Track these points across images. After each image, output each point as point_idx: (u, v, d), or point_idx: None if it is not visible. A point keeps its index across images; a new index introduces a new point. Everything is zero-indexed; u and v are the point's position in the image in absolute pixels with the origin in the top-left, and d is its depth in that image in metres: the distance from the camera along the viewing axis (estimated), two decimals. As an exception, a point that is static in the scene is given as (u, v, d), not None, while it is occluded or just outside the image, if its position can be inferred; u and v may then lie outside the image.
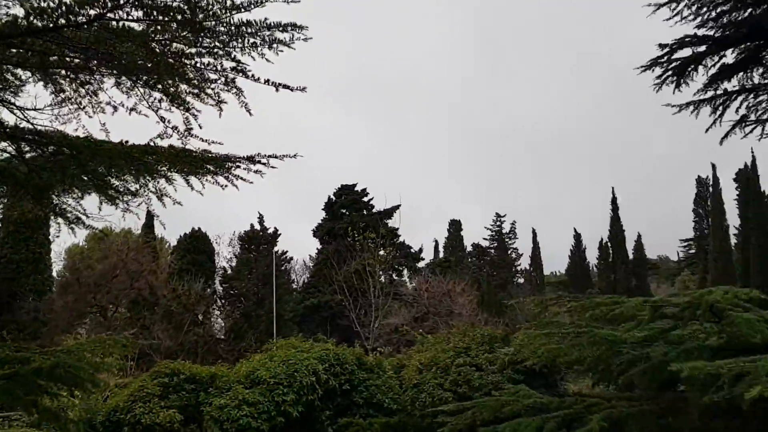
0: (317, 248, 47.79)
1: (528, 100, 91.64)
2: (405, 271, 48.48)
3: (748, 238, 51.69)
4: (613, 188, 55.98)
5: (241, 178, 6.42)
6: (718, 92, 15.87)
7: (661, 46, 13.73)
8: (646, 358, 6.46)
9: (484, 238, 64.86)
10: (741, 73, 15.64)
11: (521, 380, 10.93)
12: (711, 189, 57.51)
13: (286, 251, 44.15)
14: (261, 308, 37.63)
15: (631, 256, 55.12)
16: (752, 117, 15.45)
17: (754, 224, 50.97)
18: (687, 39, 13.57)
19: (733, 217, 56.42)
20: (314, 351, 12.19)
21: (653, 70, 14.04)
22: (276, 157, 6.16)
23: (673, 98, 14.48)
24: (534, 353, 9.39)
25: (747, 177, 53.81)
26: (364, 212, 47.16)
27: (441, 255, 60.23)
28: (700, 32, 13.65)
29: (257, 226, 41.33)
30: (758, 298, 5.81)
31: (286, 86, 5.39)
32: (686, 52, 13.97)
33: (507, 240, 66.55)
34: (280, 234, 42.32)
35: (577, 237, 59.18)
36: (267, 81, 5.34)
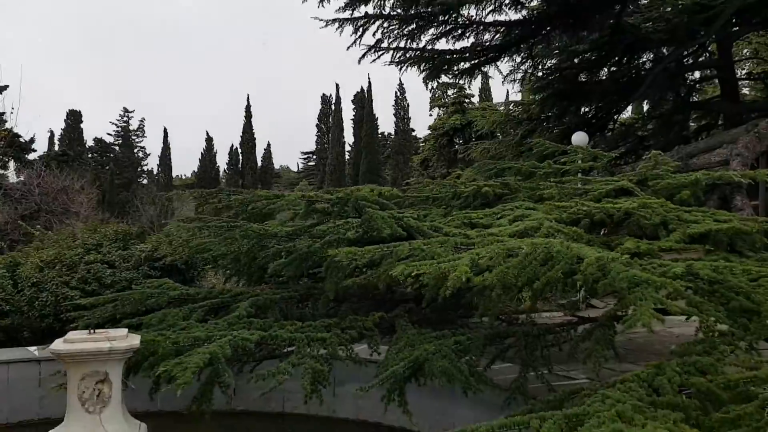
0: None
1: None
2: (11, 163, 42.27)
3: (360, 154, 58.55)
4: (248, 95, 57.14)
5: None
6: (358, 14, 17.18)
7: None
8: (292, 250, 6.85)
9: (108, 134, 60.21)
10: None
11: (158, 276, 10.64)
12: (333, 107, 62.94)
13: None
14: None
15: (259, 164, 57.43)
16: (385, 43, 17.19)
17: (365, 142, 57.91)
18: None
19: (348, 135, 62.96)
20: None
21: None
22: None
23: (320, 12, 15.11)
24: (175, 250, 9.22)
25: (363, 99, 60.38)
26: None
27: (57, 148, 54.04)
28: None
29: None
30: (397, 195, 6.68)
31: None
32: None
33: (134, 138, 62.94)
34: None
35: (209, 140, 59.14)
36: None
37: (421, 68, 20.51)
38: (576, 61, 19.53)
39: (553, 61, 19.79)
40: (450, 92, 55.04)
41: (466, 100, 50.46)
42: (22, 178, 36.20)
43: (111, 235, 11.65)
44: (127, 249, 11.34)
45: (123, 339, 4.64)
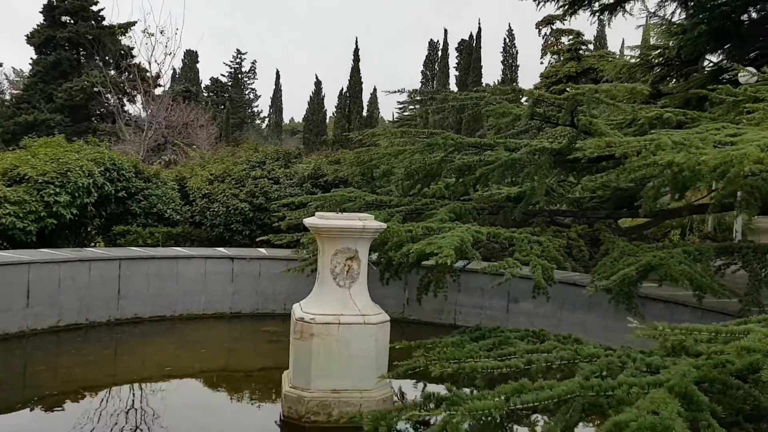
0: (32, 58, 41.06)
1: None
2: (139, 97, 44.51)
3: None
4: (356, 38, 57.11)
5: None
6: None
7: None
8: (489, 160, 6.87)
9: (222, 75, 62.07)
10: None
11: (322, 192, 11.01)
12: (440, 53, 61.99)
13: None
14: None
15: (365, 110, 57.78)
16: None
17: (472, 91, 56.94)
18: None
19: (452, 84, 62.05)
20: (86, 151, 10.70)
21: None
22: None
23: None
24: (348, 166, 9.48)
25: (471, 47, 59.09)
26: (93, 23, 41.31)
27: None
28: None
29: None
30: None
31: None
32: None
33: (246, 79, 64.65)
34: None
35: (318, 84, 59.91)
36: None
37: (559, 4, 19.70)
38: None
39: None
40: (564, 39, 52.99)
41: (583, 47, 48.42)
42: (150, 111, 38.05)
43: (272, 154, 12.11)
44: (289, 167, 11.77)
45: (372, 220, 4.83)
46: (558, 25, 53.34)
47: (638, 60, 27.54)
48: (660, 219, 9.73)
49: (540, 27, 54.42)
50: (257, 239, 9.65)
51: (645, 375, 3.23)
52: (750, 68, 12.88)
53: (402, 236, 5.17)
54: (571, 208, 8.34)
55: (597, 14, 20.26)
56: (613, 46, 56.88)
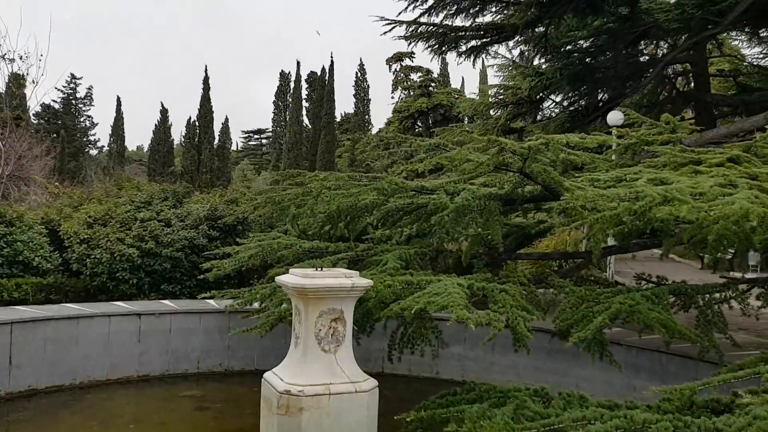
0: None
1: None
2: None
3: (318, 133, 57.93)
4: (206, 66, 55.42)
5: None
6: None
7: None
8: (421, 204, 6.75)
9: (54, 101, 57.21)
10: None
11: (218, 236, 10.29)
12: (293, 85, 61.84)
13: None
14: None
15: (217, 139, 55.99)
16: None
17: (325, 122, 57.35)
18: None
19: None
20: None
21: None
22: None
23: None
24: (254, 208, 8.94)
25: (323, 79, 59.62)
26: None
27: None
28: None
29: None
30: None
31: None
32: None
33: (81, 106, 60.14)
34: None
35: (164, 112, 57.08)
36: None
37: (430, 43, 20.37)
38: (584, 44, 19.87)
39: (571, 45, 19.98)
40: (414, 75, 55.09)
41: (432, 84, 50.63)
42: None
43: (159, 192, 11.15)
44: (179, 207, 10.89)
45: (359, 277, 4.46)
46: (407, 61, 55.44)
47: (493, 99, 29.19)
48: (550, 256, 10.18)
49: (390, 63, 56.18)
50: (200, 296, 8.58)
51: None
52: (616, 111, 14.03)
53: (384, 292, 4.82)
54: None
55: (463, 55, 21.20)
56: (454, 82, 59.97)
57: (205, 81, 53.80)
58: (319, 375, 4.30)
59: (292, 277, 4.42)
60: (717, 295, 5.87)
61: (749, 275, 15.35)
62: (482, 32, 19.16)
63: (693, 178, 6.11)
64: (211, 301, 8.20)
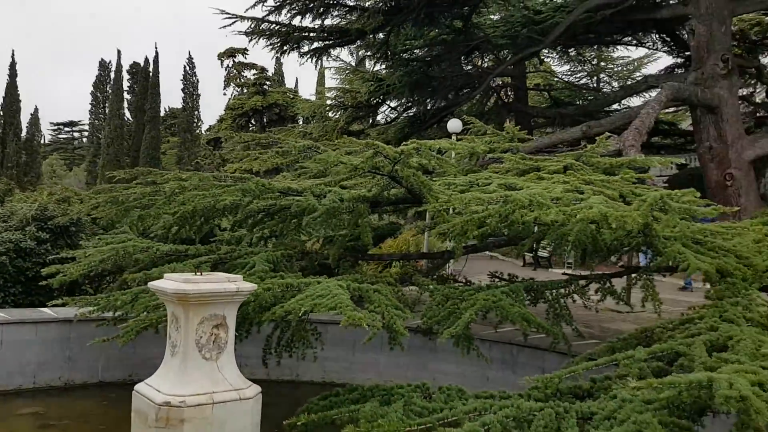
0: None
1: None
2: None
3: (141, 128, 54.72)
4: (13, 51, 50.09)
5: None
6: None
7: None
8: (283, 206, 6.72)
9: None
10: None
11: (48, 239, 9.41)
12: (113, 75, 57.84)
13: None
14: None
15: (24, 131, 50.80)
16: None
17: (150, 116, 54.33)
18: None
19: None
20: None
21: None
22: None
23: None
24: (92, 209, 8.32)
25: (147, 71, 56.43)
26: None
27: None
28: None
29: None
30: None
31: None
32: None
33: None
34: None
35: (-39, 98, 50.55)
36: None
37: (272, 41, 20.13)
38: (420, 53, 20.74)
39: (408, 53, 20.71)
40: (247, 73, 54.02)
41: (268, 82, 49.95)
42: None
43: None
44: (1, 206, 9.79)
45: (242, 281, 4.31)
46: (240, 58, 54.22)
47: (332, 101, 29.50)
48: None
49: (222, 59, 54.63)
50: (50, 303, 7.55)
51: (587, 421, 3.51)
52: (456, 120, 14.83)
53: (263, 296, 4.69)
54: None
55: (306, 56, 21.22)
56: (289, 81, 59.56)
57: (12, 66, 48.68)
58: (201, 384, 4.10)
59: (171, 283, 4.16)
60: (562, 290, 6.45)
61: (566, 271, 16.96)
62: (326, 34, 19.32)
63: (539, 184, 6.67)
64: (47, 310, 7.46)
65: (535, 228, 5.50)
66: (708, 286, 5.64)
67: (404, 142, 8.23)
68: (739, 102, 16.31)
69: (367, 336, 5.97)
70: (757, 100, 21.71)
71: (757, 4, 16.35)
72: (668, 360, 4.31)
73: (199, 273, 4.28)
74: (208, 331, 4.17)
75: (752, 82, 20.64)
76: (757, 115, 21.90)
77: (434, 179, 7.86)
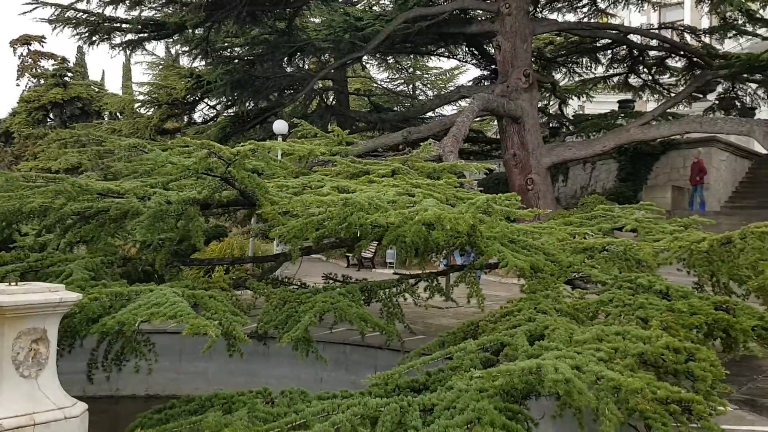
0: None
1: None
2: None
3: None
4: None
5: None
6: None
7: None
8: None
9: None
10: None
11: None
12: None
13: None
14: None
15: None
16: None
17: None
18: None
19: None
20: None
21: None
22: None
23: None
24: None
25: None
26: None
27: None
28: None
29: None
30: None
31: None
32: None
33: None
34: None
35: None
36: None
37: (79, 31, 18.66)
38: (240, 51, 20.36)
39: (230, 51, 20.21)
40: (47, 63, 49.14)
41: (69, 74, 45.81)
42: None
43: None
44: None
45: (65, 291, 3.95)
46: (37, 46, 49.25)
47: (145, 97, 27.95)
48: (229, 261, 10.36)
49: (15, 46, 49.22)
50: None
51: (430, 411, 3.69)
52: (281, 121, 14.77)
53: (90, 306, 4.31)
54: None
55: (117, 48, 19.92)
56: (93, 74, 55.02)
57: None
58: (19, 404, 3.68)
59: (-18, 294, 3.69)
60: (395, 289, 6.70)
61: (388, 270, 17.63)
62: (141, 27, 18.28)
63: (371, 187, 6.88)
64: None
65: (372, 230, 5.66)
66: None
67: (229, 142, 8.01)
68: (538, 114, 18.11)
69: (197, 345, 5.78)
70: (551, 111, 24.20)
71: (552, 26, 18.29)
72: (494, 351, 4.66)
73: (13, 283, 3.84)
74: (26, 347, 3.75)
75: (547, 95, 22.97)
76: (551, 125, 24.43)
77: (265, 181, 7.79)
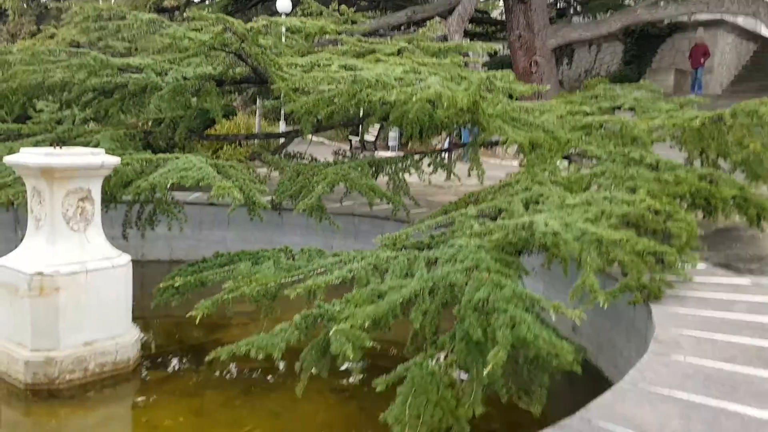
0: None
1: None
2: None
3: None
4: None
5: None
6: None
7: None
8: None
9: None
10: None
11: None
12: None
13: None
14: None
15: None
16: None
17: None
18: None
19: None
20: None
21: None
22: None
23: None
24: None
25: None
26: None
27: None
28: None
29: None
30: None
31: None
32: None
33: None
34: None
35: None
36: None
37: None
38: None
39: None
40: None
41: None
42: None
43: None
44: None
45: (105, 154, 4.35)
46: None
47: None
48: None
49: None
50: None
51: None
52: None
53: (124, 171, 4.72)
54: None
55: None
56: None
57: None
58: (72, 254, 4.19)
59: (32, 156, 4.08)
60: (400, 165, 7.10)
61: (389, 153, 17.96)
62: None
63: (378, 66, 7.09)
64: None
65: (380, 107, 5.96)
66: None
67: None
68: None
69: (216, 214, 6.21)
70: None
71: None
72: (492, 216, 5.12)
73: (58, 147, 4.23)
74: (74, 204, 4.19)
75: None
76: (558, 6, 23.87)
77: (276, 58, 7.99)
